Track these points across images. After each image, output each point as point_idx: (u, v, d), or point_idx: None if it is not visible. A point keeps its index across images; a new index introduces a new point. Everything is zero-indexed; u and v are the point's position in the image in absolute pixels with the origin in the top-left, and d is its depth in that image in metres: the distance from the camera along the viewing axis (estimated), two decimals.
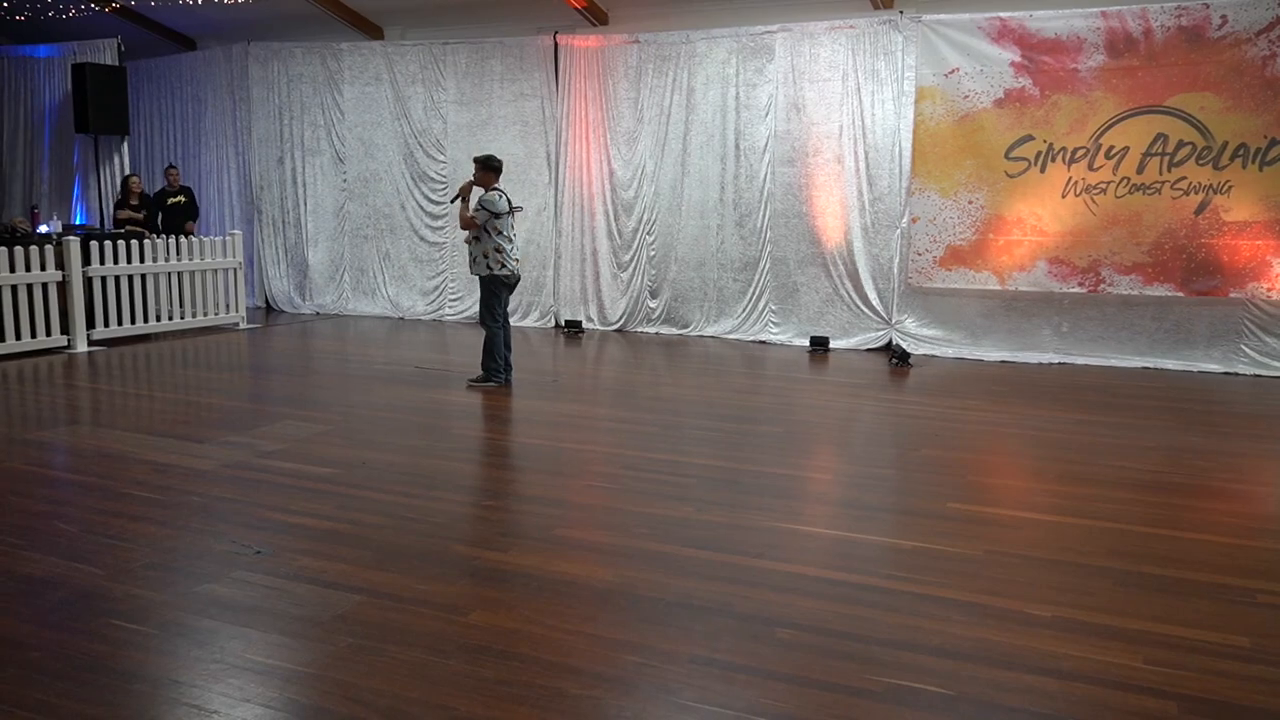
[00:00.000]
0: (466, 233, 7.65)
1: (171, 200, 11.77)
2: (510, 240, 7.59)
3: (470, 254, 7.65)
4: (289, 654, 3.23)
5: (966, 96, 9.25)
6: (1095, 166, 8.94)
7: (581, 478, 5.45)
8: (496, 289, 7.62)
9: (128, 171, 12.24)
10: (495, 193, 7.52)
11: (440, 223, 11.87)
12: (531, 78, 11.18)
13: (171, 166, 12.02)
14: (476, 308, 11.61)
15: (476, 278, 7.78)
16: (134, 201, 11.57)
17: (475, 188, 7.56)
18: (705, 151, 10.40)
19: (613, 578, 3.93)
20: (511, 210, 7.60)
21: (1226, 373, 8.69)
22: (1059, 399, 7.66)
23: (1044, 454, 6.04)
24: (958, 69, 9.23)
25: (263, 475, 5.29)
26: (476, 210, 7.46)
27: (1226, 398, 7.81)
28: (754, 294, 10.39)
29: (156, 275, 10.24)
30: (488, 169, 7.61)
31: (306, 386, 7.93)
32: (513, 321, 11.48)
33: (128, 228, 11.26)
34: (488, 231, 7.48)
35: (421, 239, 12.00)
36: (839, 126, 9.81)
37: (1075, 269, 9.10)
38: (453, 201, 7.95)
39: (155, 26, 12.84)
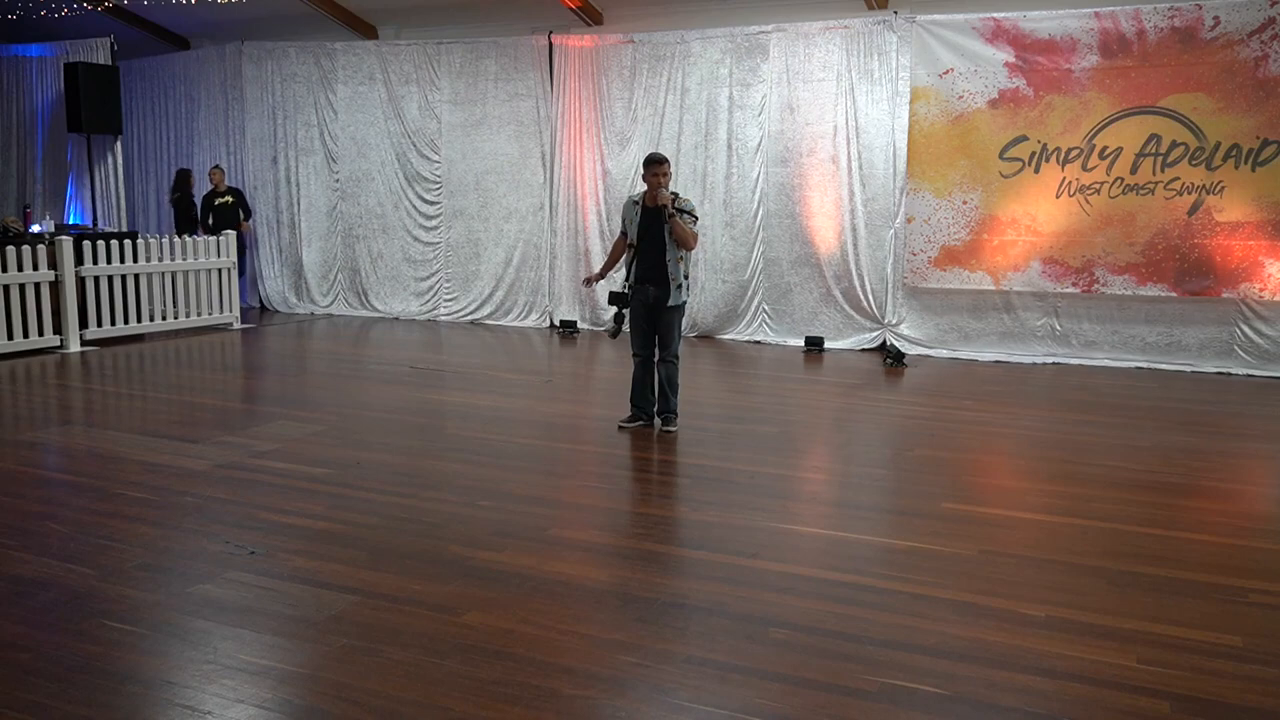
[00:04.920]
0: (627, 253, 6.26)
1: (219, 201, 11.86)
2: None
3: (671, 278, 6.12)
4: (283, 655, 3.22)
5: (961, 97, 9.26)
6: (1089, 167, 8.96)
7: (576, 478, 5.45)
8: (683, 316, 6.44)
9: (181, 168, 12.57)
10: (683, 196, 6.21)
11: (434, 223, 11.85)
12: (526, 78, 11.16)
13: (216, 167, 12.04)
14: (471, 309, 11.76)
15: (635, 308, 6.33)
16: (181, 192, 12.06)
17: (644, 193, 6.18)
18: (699, 152, 10.40)
19: (607, 578, 3.93)
20: None
21: (1219, 372, 8.72)
22: (1053, 399, 7.67)
23: (1038, 454, 6.05)
24: (952, 69, 9.24)
25: (256, 475, 5.27)
26: (693, 224, 6.07)
27: (1219, 397, 7.83)
28: (748, 294, 10.39)
29: (150, 275, 10.21)
30: (668, 165, 6.17)
31: (300, 386, 7.91)
32: (510, 322, 11.55)
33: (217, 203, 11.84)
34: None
35: (415, 239, 11.97)
36: (833, 127, 9.82)
37: (1069, 269, 9.12)
38: (666, 218, 6.02)
39: (148, 25, 12.79)
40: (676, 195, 6.15)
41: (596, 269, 10.85)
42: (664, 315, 6.24)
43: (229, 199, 11.89)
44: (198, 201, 12.13)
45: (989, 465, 5.97)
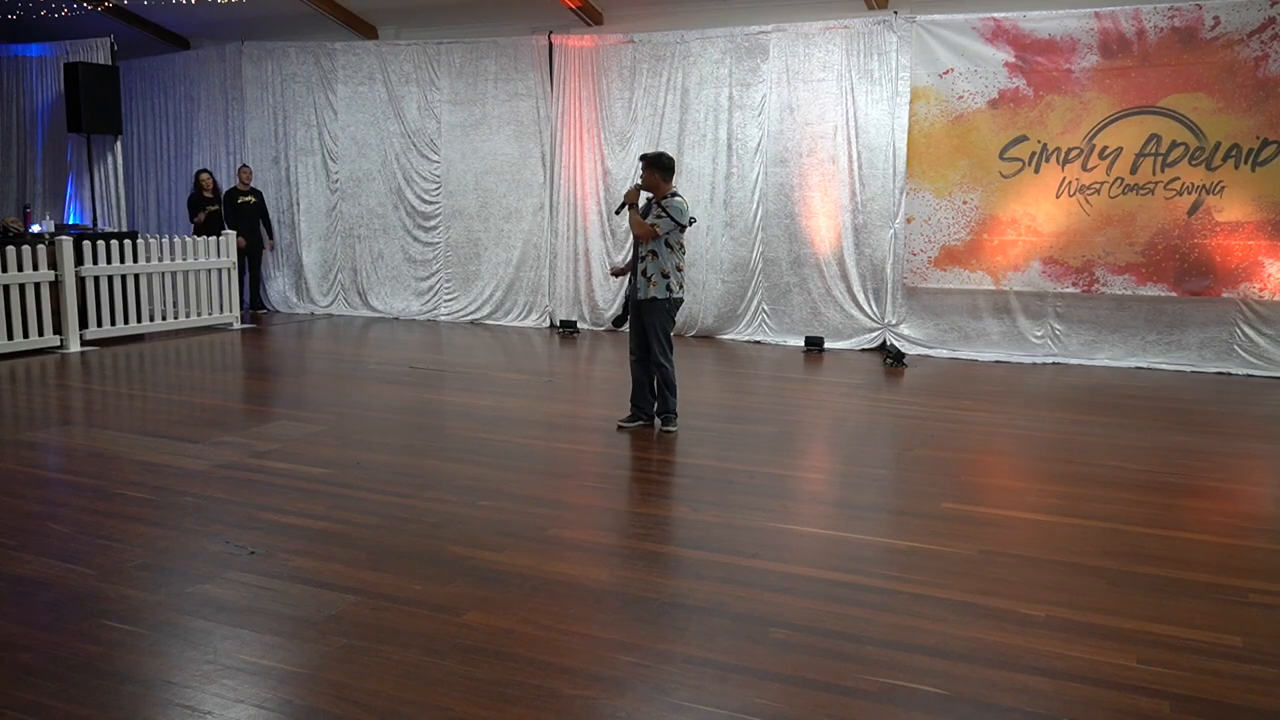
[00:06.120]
0: (619, 251, 6.67)
1: (242, 199, 11.86)
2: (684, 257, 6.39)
3: (641, 272, 6.21)
4: (283, 655, 3.22)
5: (961, 97, 9.26)
6: (1089, 167, 8.96)
7: (576, 478, 5.45)
8: (673, 314, 6.33)
9: (200, 168, 12.39)
10: (679, 199, 6.20)
11: (434, 223, 11.85)
12: (526, 78, 11.16)
13: (244, 166, 12.08)
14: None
15: (619, 303, 6.65)
16: (208, 195, 11.85)
17: (643, 192, 6.24)
18: (698, 151, 10.40)
19: (607, 578, 3.93)
20: (692, 221, 6.34)
21: (1219, 373, 8.72)
22: (1052, 399, 7.67)
23: (1038, 454, 6.05)
24: (952, 69, 9.25)
25: (256, 475, 5.27)
26: (659, 218, 6.10)
27: (1218, 398, 7.83)
28: (748, 294, 10.39)
29: (150, 275, 10.21)
30: (658, 168, 6.15)
31: (300, 387, 7.91)
32: (510, 322, 11.55)
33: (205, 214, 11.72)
34: (669, 245, 6.16)
35: (415, 239, 11.98)
36: (833, 127, 9.82)
37: (1069, 269, 9.12)
38: (618, 212, 6.55)
39: (148, 25, 12.79)
40: (676, 193, 6.20)
41: (597, 270, 11.04)
42: (641, 313, 6.29)
43: (251, 198, 11.92)
44: (216, 203, 12.11)
45: (989, 465, 5.97)
